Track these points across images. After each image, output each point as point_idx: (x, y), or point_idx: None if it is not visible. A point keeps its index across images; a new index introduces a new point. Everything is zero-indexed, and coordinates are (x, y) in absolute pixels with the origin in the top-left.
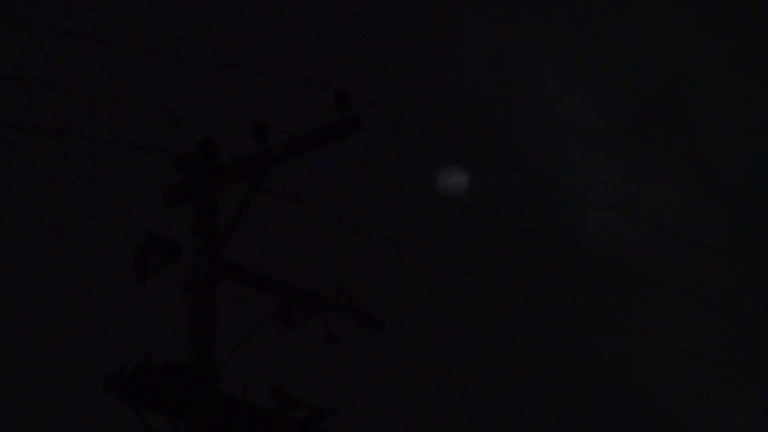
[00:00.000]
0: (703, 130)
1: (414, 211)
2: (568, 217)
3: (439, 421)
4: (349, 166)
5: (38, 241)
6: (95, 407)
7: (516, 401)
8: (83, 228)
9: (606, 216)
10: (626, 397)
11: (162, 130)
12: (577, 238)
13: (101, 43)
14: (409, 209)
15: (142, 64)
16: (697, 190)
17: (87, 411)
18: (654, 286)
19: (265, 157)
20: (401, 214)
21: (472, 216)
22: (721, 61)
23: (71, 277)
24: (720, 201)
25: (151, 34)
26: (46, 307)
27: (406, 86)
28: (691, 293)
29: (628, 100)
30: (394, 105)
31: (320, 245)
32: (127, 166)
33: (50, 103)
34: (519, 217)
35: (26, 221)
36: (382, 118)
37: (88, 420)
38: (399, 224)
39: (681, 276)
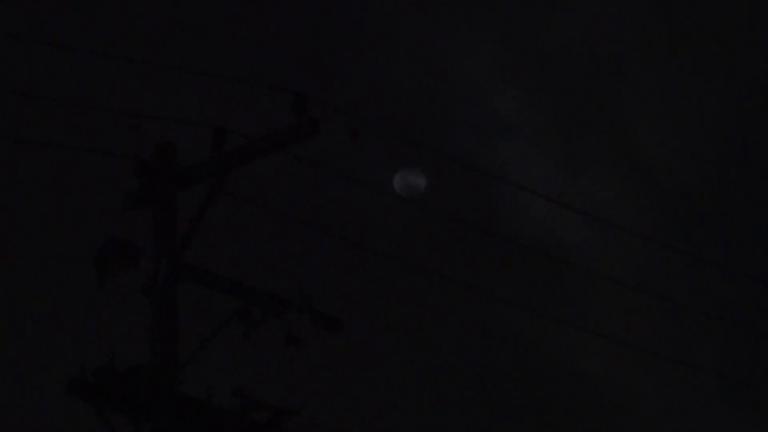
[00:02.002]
0: (634, 123)
1: (370, 211)
2: (508, 213)
3: (399, 421)
4: (305, 168)
5: (0, 244)
6: (58, 410)
7: (470, 398)
8: (44, 231)
9: (544, 210)
10: (570, 389)
11: (121, 134)
12: (518, 233)
13: (60, 48)
14: (365, 210)
15: (101, 69)
16: (630, 182)
17: (50, 413)
18: (592, 278)
19: (223, 161)
20: (358, 215)
21: (425, 215)
22: (650, 55)
23: (32, 280)
24: (652, 192)
25: (110, 39)
26: (7, 309)
27: (347, 86)
28: (627, 283)
29: (559, 95)
30: (343, 106)
31: (279, 247)
32: (86, 170)
33: (9, 107)
34: (464, 213)
35: None
36: (337, 120)
37: (51, 422)
38: (356, 225)
39: (617, 267)
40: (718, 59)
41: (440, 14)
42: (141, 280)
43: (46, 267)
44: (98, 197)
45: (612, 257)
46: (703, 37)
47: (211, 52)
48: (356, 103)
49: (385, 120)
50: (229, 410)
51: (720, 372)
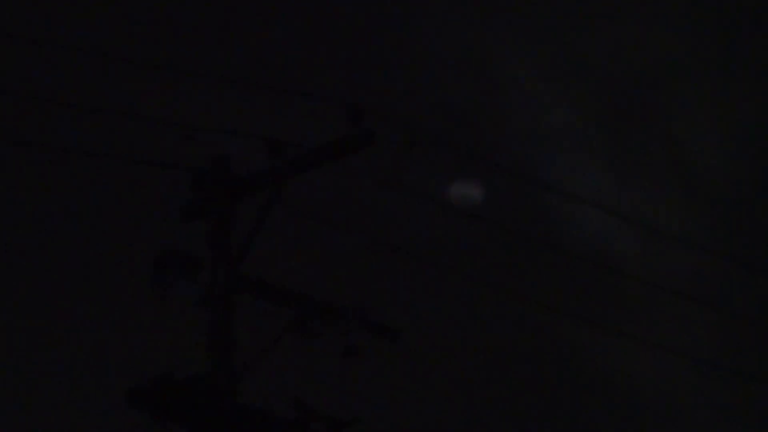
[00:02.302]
0: (686, 133)
1: (426, 222)
2: (562, 224)
3: (456, 430)
4: (362, 179)
5: (59, 257)
6: (116, 421)
7: (526, 406)
8: (103, 243)
9: (597, 221)
10: (623, 400)
11: (178, 147)
12: (572, 244)
13: (119, 62)
14: (421, 221)
15: (159, 83)
16: (682, 191)
17: (108, 424)
18: (646, 288)
19: (279, 171)
20: (415, 227)
21: (481, 226)
22: (701, 63)
23: (91, 292)
24: (705, 201)
25: (167, 53)
26: (67, 322)
27: (399, 98)
28: (681, 293)
29: (610, 105)
30: (400, 117)
31: (336, 258)
32: (144, 182)
33: (70, 121)
34: (519, 225)
35: (47, 238)
36: (393, 131)
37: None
38: (413, 236)
39: (671, 277)
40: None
41: (490, 26)
42: (199, 292)
43: (104, 278)
44: (155, 209)
45: (666, 267)
46: (754, 44)
47: (270, 64)
48: (409, 114)
49: (437, 132)
50: (287, 421)
51: None
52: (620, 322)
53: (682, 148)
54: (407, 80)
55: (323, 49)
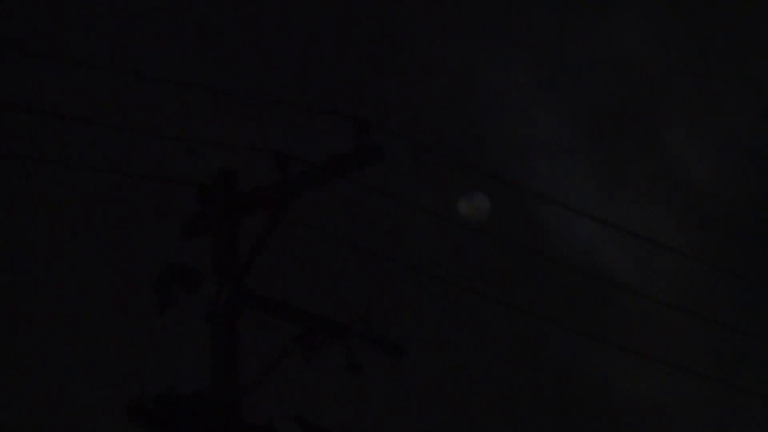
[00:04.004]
0: (675, 141)
1: (432, 237)
2: (554, 234)
3: None
4: (367, 193)
5: (61, 271)
6: None
7: (530, 420)
8: (105, 257)
9: (588, 231)
10: (614, 412)
11: (182, 160)
12: (563, 254)
13: (121, 75)
14: (427, 235)
15: (162, 95)
16: (671, 200)
17: None
18: (637, 298)
19: (285, 187)
20: (419, 241)
21: (483, 239)
22: (689, 70)
23: (93, 306)
24: (695, 210)
25: (171, 66)
26: (68, 336)
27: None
28: (671, 303)
29: (597, 113)
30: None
31: (340, 273)
32: (147, 196)
33: (74, 134)
34: (514, 236)
35: (48, 251)
36: (400, 146)
37: None
38: (417, 251)
39: (662, 287)
40: (758, 73)
41: (476, 34)
42: (202, 306)
43: (106, 292)
44: (159, 223)
45: (658, 278)
46: (742, 51)
47: (276, 78)
48: (405, 127)
49: (439, 144)
50: None
51: (766, 393)
52: (612, 332)
53: (673, 158)
54: (401, 92)
55: (327, 62)
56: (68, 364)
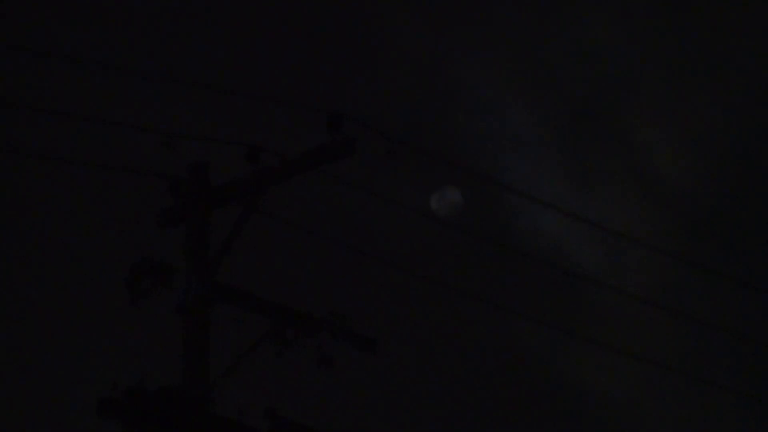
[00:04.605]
0: (644, 137)
1: (405, 231)
2: (523, 228)
3: None
4: (340, 187)
5: (31, 262)
6: (87, 429)
7: (502, 414)
8: (76, 250)
9: (557, 225)
10: (583, 406)
11: (155, 153)
12: (532, 248)
13: (94, 66)
14: (400, 229)
15: (134, 88)
16: (641, 196)
17: None
18: (606, 292)
19: (257, 180)
20: (392, 235)
21: (455, 233)
22: (659, 68)
23: (63, 299)
24: (664, 206)
25: (143, 58)
26: (38, 328)
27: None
28: (639, 297)
29: (567, 109)
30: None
31: (312, 267)
32: (120, 189)
33: (42, 125)
34: (486, 231)
35: (19, 243)
36: (373, 139)
37: None
38: (390, 245)
39: (631, 281)
40: (728, 72)
41: (448, 28)
42: (173, 300)
43: (77, 286)
44: (131, 216)
45: (626, 272)
46: (713, 49)
47: (249, 71)
48: (379, 120)
49: (413, 138)
50: (261, 431)
51: (737, 389)
52: (582, 327)
53: (643, 154)
54: (373, 85)
55: (302, 56)
56: (39, 358)
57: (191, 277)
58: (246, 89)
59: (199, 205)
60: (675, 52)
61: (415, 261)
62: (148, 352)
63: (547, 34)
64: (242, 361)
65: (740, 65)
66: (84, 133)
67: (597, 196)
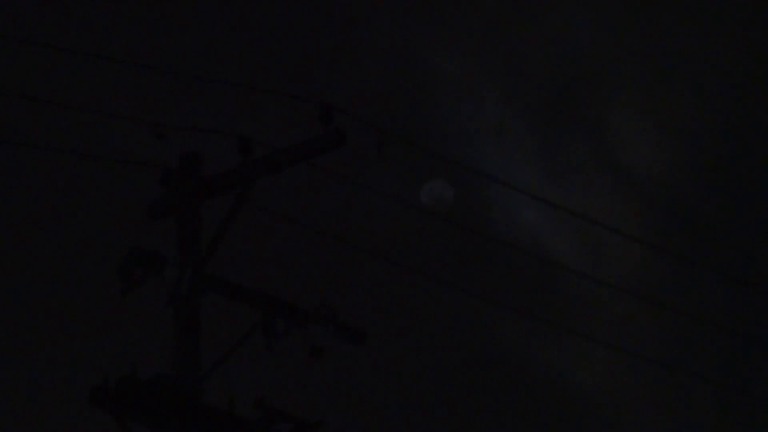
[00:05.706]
0: (618, 128)
1: (395, 223)
2: (498, 218)
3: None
4: (330, 179)
5: (22, 253)
6: (79, 418)
7: (490, 406)
8: (68, 240)
9: (533, 215)
10: (562, 398)
11: (147, 144)
12: (508, 238)
13: (85, 56)
14: (390, 222)
15: (126, 78)
16: (615, 186)
17: (72, 423)
18: (582, 282)
19: (249, 171)
20: (383, 227)
21: (443, 225)
22: (632, 59)
23: (55, 290)
24: (638, 197)
25: (135, 48)
26: (30, 318)
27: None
28: (616, 286)
29: (541, 100)
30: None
31: (303, 258)
32: (111, 179)
33: (33, 115)
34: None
35: (9, 233)
36: (365, 132)
37: (71, 431)
38: (380, 237)
39: (607, 271)
40: (700, 63)
41: (424, 19)
42: (165, 291)
43: (69, 276)
44: (122, 207)
45: (603, 261)
46: (687, 39)
47: (241, 62)
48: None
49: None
50: (251, 421)
51: (715, 379)
52: (559, 317)
53: (618, 143)
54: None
55: (292, 48)
56: (31, 348)
57: (182, 267)
58: (237, 80)
59: (191, 196)
60: (649, 42)
61: (399, 251)
62: (139, 343)
63: (522, 24)
64: (233, 352)
65: (714, 54)
66: (75, 124)
67: (572, 185)
